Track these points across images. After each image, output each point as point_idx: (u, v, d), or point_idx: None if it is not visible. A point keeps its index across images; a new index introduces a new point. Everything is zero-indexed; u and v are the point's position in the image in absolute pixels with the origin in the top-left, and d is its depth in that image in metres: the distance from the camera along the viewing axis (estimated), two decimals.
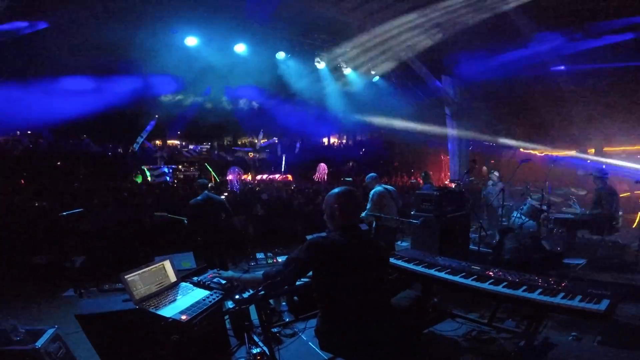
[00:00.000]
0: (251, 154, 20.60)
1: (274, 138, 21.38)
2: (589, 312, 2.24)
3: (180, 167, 17.43)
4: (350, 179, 14.12)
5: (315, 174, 16.01)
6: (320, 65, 10.65)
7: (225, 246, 5.44)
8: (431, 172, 9.29)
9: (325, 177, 15.77)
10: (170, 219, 5.31)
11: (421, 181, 9.04)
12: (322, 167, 16.14)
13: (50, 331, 2.48)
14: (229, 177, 14.86)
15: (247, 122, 16.93)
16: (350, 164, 19.35)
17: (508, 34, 7.92)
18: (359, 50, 9.53)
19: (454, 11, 7.47)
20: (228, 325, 3.38)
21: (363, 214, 5.29)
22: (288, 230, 7.54)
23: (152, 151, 17.47)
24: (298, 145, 20.19)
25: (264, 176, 16.88)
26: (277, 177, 16.44)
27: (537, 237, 5.30)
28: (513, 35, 7.93)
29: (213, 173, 14.54)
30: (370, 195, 5.51)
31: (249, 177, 16.39)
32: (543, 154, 13.49)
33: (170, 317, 2.14)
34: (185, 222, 5.17)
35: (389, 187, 5.66)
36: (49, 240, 5.68)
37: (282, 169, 18.21)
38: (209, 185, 7.16)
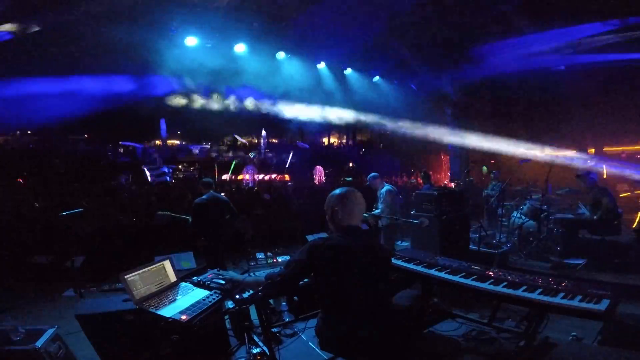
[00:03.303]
0: (251, 155, 20.49)
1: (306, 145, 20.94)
2: (589, 312, 2.23)
3: (180, 167, 17.39)
4: (351, 179, 14.10)
5: (314, 177, 15.93)
6: (321, 65, 10.68)
7: (226, 246, 5.43)
8: (431, 172, 9.30)
9: (323, 179, 15.73)
10: (173, 219, 5.28)
11: (421, 181, 9.05)
12: (319, 170, 16.07)
13: (50, 331, 2.48)
14: (246, 176, 14.89)
15: (247, 122, 16.88)
16: (351, 164, 19.29)
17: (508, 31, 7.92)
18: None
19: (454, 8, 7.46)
20: (228, 325, 3.38)
21: (377, 212, 5.28)
22: (288, 230, 7.55)
23: (151, 151, 17.43)
24: (307, 146, 19.92)
25: (261, 176, 16.84)
26: (274, 177, 16.41)
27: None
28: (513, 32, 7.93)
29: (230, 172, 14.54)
30: (383, 195, 5.39)
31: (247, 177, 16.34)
32: (543, 154, 13.48)
33: (170, 317, 2.14)
34: (190, 221, 5.14)
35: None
36: (49, 240, 5.68)
37: (279, 169, 18.16)
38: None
